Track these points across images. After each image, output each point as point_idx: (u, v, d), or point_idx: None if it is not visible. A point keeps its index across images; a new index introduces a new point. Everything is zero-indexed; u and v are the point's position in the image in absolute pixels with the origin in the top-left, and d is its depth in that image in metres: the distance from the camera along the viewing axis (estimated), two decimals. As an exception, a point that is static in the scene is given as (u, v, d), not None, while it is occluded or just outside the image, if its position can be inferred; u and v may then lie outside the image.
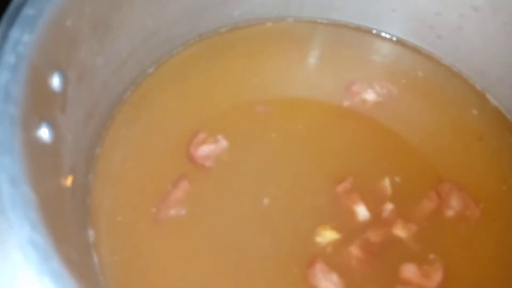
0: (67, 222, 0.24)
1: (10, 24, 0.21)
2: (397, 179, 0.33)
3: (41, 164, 0.21)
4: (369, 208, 0.32)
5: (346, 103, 0.37)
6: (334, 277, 0.29)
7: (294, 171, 0.33)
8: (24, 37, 0.21)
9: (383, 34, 0.40)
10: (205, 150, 0.32)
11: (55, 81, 0.24)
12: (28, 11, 0.22)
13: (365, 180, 0.33)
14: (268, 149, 0.34)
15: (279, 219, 0.31)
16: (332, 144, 0.35)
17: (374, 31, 0.40)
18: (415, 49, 0.40)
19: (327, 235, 0.31)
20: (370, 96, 0.37)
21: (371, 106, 0.37)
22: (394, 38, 0.40)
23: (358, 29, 0.41)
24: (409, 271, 0.30)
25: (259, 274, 0.29)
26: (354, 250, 0.30)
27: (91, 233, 0.29)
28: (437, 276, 0.30)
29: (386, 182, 0.33)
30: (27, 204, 0.17)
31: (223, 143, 0.33)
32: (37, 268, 0.16)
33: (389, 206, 0.32)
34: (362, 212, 0.32)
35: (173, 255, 0.30)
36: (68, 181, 0.26)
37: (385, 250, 0.30)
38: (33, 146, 0.20)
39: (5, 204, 0.16)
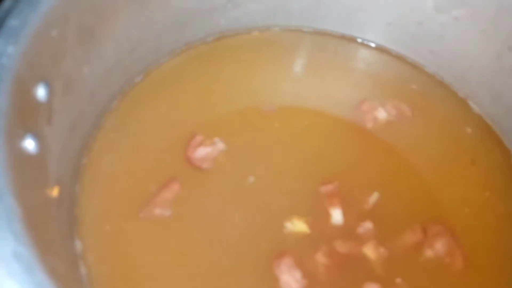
0: (53, 233, 0.23)
1: (-6, 36, 0.21)
2: (385, 198, 0.33)
3: (26, 176, 0.21)
4: (346, 216, 0.32)
5: (353, 118, 0.37)
6: (298, 274, 0.29)
7: (281, 169, 0.33)
8: (8, 48, 0.21)
9: (366, 42, 0.41)
10: (202, 152, 0.33)
11: (40, 92, 0.24)
12: (12, 22, 0.22)
13: (352, 190, 0.33)
14: (256, 153, 0.34)
15: (257, 202, 0.32)
16: (320, 149, 0.35)
17: (358, 40, 0.41)
18: (399, 57, 0.41)
19: (297, 225, 0.31)
20: (381, 114, 0.37)
21: (369, 118, 0.37)
22: (378, 46, 0.41)
23: (343, 37, 0.41)
24: None
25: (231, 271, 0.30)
26: (321, 257, 0.30)
27: (78, 244, 0.28)
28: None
29: (373, 197, 0.33)
30: (11, 216, 0.17)
31: (220, 145, 0.34)
32: (21, 280, 0.15)
33: (367, 224, 0.31)
34: (336, 216, 0.32)
35: (161, 263, 0.29)
36: (54, 192, 0.25)
37: (351, 264, 0.30)
38: (18, 157, 0.20)
39: (-12, 216, 0.16)
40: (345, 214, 0.32)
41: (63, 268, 0.21)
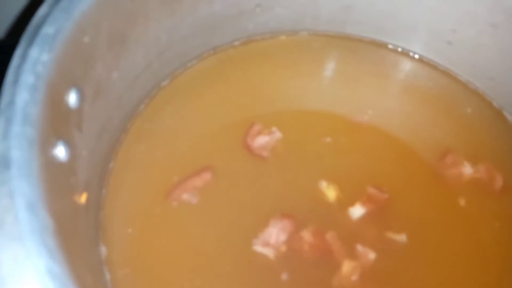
0: (81, 241, 0.23)
1: (30, 43, 0.21)
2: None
3: (57, 185, 0.21)
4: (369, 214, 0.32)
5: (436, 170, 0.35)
6: (283, 237, 0.30)
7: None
8: (43, 56, 0.21)
9: (398, 49, 0.40)
10: (261, 141, 0.34)
11: (72, 98, 0.24)
12: (47, 29, 0.22)
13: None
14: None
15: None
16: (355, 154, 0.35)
17: (389, 46, 0.40)
18: (431, 65, 0.40)
19: (331, 189, 0.33)
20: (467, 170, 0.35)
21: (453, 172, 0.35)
22: (410, 53, 0.40)
23: (373, 43, 0.40)
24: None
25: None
26: (306, 234, 0.31)
27: (103, 249, 0.28)
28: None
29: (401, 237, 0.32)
30: (45, 231, 0.17)
31: (278, 134, 0.34)
32: (55, 299, 0.15)
33: (401, 237, 0.31)
34: (357, 212, 0.32)
35: (185, 260, 0.30)
36: (83, 198, 0.25)
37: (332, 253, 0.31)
38: (49, 166, 0.20)
39: (22, 231, 0.16)
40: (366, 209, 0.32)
41: (92, 278, 0.21)
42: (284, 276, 0.30)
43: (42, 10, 0.22)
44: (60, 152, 0.22)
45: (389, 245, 0.31)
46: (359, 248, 0.31)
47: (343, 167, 0.34)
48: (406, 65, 0.40)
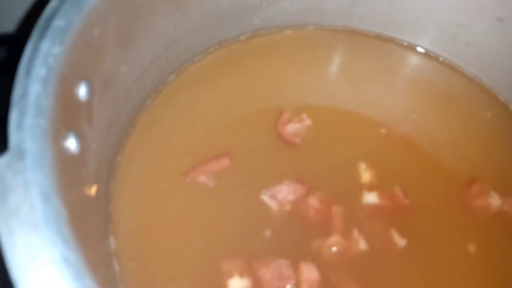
0: (92, 233, 0.24)
1: (41, 36, 0.21)
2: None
3: (69, 176, 0.21)
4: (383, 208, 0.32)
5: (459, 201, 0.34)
6: (291, 197, 0.31)
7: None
8: (54, 48, 0.21)
9: (404, 43, 0.40)
10: (291, 128, 0.35)
11: (82, 91, 0.24)
12: (58, 22, 0.22)
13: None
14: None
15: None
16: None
17: (395, 40, 0.40)
18: (437, 59, 0.40)
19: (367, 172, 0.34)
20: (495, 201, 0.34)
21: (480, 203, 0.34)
22: (416, 48, 0.40)
23: (378, 37, 0.40)
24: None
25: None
26: (314, 200, 0.31)
27: (112, 241, 0.29)
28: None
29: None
30: (60, 220, 0.17)
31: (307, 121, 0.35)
32: (71, 286, 0.16)
33: (402, 241, 0.31)
34: (371, 198, 0.33)
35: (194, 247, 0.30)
36: (93, 190, 0.26)
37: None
38: (61, 158, 0.20)
39: (38, 219, 0.16)
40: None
41: (102, 268, 0.21)
42: (268, 233, 0.30)
43: (52, 4, 0.22)
44: (71, 144, 0.22)
45: (385, 244, 0.31)
46: (355, 233, 0.31)
47: (383, 157, 0.34)
48: (412, 60, 0.40)
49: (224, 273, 0.29)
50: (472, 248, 0.31)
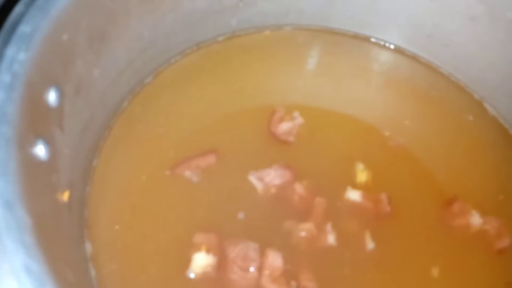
0: (63, 239, 0.23)
1: (6, 42, 0.21)
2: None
3: (37, 183, 0.21)
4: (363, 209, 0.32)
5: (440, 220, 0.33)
6: (277, 181, 0.32)
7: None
8: (19, 55, 0.21)
9: (381, 42, 0.40)
10: (284, 127, 0.35)
11: (51, 97, 0.24)
12: (24, 28, 0.22)
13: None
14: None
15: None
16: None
17: (372, 39, 0.40)
18: (413, 58, 0.40)
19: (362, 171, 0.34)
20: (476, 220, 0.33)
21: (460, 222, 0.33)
22: (392, 46, 0.40)
23: (356, 37, 0.41)
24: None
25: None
26: (299, 187, 0.32)
27: (88, 246, 0.29)
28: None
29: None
30: (22, 229, 0.17)
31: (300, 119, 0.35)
32: (32, 295, 0.16)
33: (371, 244, 0.31)
34: (353, 195, 0.33)
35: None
36: (65, 196, 0.25)
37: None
38: (29, 165, 0.20)
39: (-1, 229, 0.16)
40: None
41: (74, 275, 0.21)
42: (247, 215, 0.31)
43: (18, 9, 0.22)
44: (40, 150, 0.22)
45: (354, 245, 0.31)
46: (328, 227, 0.31)
47: (379, 161, 0.34)
48: (389, 58, 0.41)
49: (193, 246, 0.29)
50: (435, 271, 0.31)
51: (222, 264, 0.29)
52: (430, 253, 0.32)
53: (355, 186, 0.33)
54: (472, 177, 0.35)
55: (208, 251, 0.29)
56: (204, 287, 0.29)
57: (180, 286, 0.29)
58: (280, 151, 0.34)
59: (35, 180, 0.21)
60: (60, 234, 0.23)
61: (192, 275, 0.29)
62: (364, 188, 0.33)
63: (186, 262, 0.29)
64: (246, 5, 0.38)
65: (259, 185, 0.32)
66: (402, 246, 0.32)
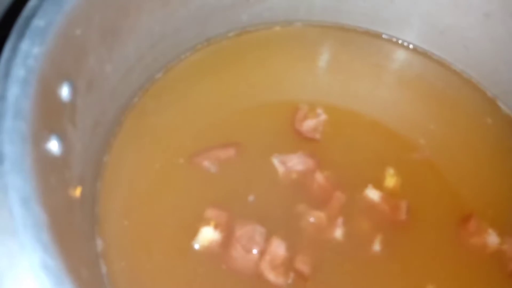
0: (76, 236, 0.23)
1: (20, 36, 0.21)
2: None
3: (50, 179, 0.20)
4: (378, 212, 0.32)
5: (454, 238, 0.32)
6: (300, 167, 0.32)
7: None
8: (34, 49, 0.21)
9: (393, 39, 0.40)
10: (309, 124, 0.35)
11: (64, 92, 0.24)
12: (38, 22, 0.21)
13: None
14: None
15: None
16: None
17: (384, 36, 0.40)
18: (425, 55, 0.40)
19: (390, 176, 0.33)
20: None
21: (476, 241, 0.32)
22: (405, 43, 0.40)
23: (367, 33, 0.40)
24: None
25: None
26: (320, 177, 0.32)
27: (99, 242, 0.29)
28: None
29: None
30: (39, 226, 0.17)
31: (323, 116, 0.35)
32: (50, 293, 0.15)
33: (376, 246, 0.31)
34: (373, 194, 0.33)
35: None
36: (77, 192, 0.25)
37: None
38: (43, 161, 0.20)
39: (16, 226, 0.16)
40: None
41: (87, 271, 0.21)
42: (251, 198, 0.31)
43: (32, 3, 0.22)
44: (54, 146, 0.22)
45: (361, 245, 0.31)
46: (339, 221, 0.31)
47: (407, 167, 0.34)
48: (401, 55, 0.40)
49: (203, 220, 0.30)
50: None
51: (226, 241, 0.29)
52: (435, 269, 0.31)
53: (380, 188, 0.33)
54: (492, 190, 0.34)
55: (216, 227, 0.30)
56: (206, 258, 0.29)
57: (184, 254, 0.29)
58: (307, 148, 0.34)
59: (50, 177, 0.20)
60: (73, 230, 0.23)
61: (197, 246, 0.29)
62: (389, 192, 0.33)
63: (193, 234, 0.30)
64: (256, 1, 0.37)
65: (281, 168, 0.32)
66: (409, 257, 0.31)
